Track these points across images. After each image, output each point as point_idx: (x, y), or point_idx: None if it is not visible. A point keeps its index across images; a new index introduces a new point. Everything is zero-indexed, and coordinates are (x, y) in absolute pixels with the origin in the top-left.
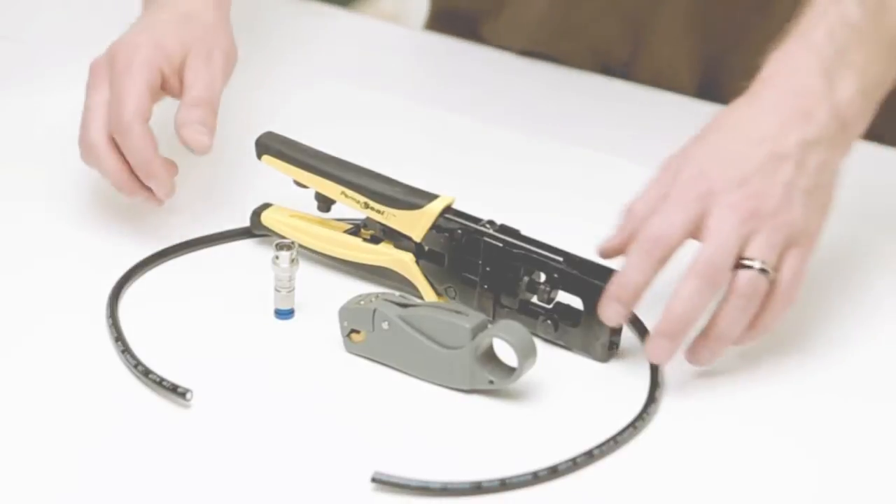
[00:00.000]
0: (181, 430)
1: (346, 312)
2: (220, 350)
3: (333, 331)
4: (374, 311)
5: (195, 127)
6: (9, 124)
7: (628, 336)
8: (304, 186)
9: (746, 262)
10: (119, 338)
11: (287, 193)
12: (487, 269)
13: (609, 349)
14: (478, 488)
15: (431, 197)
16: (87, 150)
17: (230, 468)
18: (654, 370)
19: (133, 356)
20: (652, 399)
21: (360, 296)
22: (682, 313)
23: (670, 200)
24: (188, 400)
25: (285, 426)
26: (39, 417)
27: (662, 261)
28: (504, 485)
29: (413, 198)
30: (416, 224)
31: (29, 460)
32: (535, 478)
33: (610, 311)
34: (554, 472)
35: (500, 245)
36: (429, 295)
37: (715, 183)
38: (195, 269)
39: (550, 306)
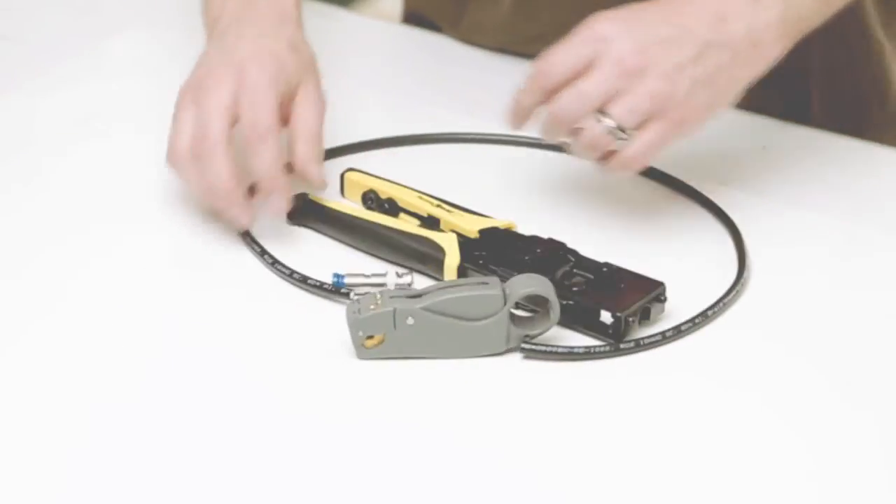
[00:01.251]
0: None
1: (361, 323)
2: None
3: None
4: (395, 310)
5: (320, 166)
6: (9, 124)
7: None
8: (371, 204)
9: (599, 117)
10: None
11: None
12: (537, 252)
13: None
14: (617, 349)
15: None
16: (202, 144)
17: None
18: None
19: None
20: (741, 273)
21: (355, 302)
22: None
23: (567, 41)
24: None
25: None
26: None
27: (544, 88)
28: (638, 345)
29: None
30: (479, 224)
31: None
32: (664, 337)
33: (509, 120)
34: (678, 332)
35: (560, 243)
36: (451, 267)
37: (614, 36)
38: None
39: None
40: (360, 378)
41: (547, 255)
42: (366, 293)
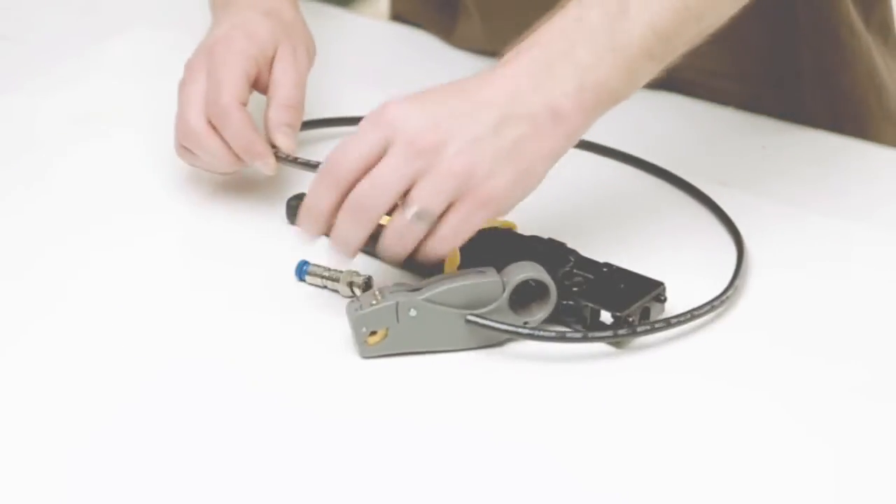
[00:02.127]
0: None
1: (363, 318)
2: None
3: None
4: (397, 304)
5: (285, 130)
6: (9, 124)
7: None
8: None
9: (404, 206)
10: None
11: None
12: (537, 252)
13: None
14: (562, 337)
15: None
16: (186, 136)
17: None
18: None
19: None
20: (732, 284)
21: (356, 301)
22: (334, 240)
23: (357, 131)
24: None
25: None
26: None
27: (338, 185)
28: (586, 337)
29: None
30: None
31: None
32: (615, 334)
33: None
34: (632, 331)
35: (560, 243)
36: (451, 267)
37: (405, 117)
38: None
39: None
40: (363, 377)
41: (547, 255)
42: (365, 292)
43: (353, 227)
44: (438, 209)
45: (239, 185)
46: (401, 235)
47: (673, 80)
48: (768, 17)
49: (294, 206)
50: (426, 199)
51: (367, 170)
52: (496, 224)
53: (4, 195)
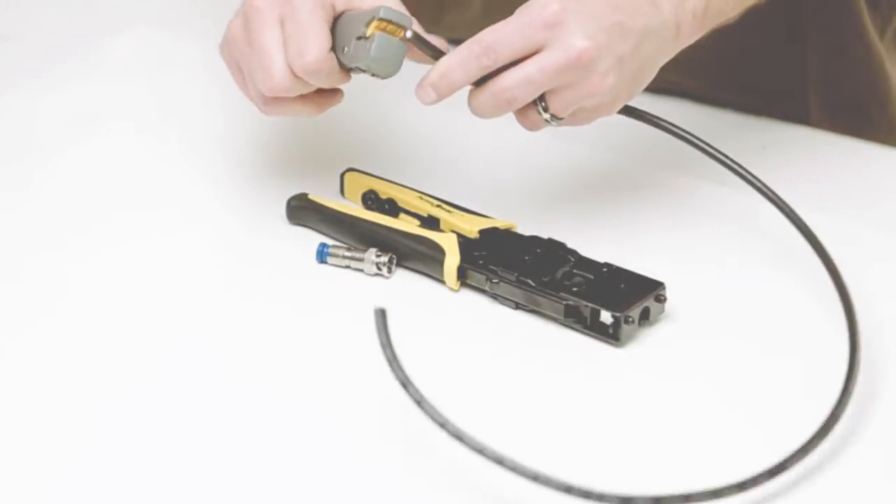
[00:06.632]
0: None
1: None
2: None
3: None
4: None
5: None
6: (9, 124)
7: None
8: (371, 204)
9: (540, 109)
10: None
11: (311, 188)
12: (537, 252)
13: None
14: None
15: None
16: (273, 91)
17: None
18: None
19: None
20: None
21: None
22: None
23: (518, 21)
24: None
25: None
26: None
27: (487, 68)
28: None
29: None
30: (479, 224)
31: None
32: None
33: (422, 94)
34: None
35: (560, 243)
36: (451, 267)
37: (567, 23)
38: None
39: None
40: (361, 377)
41: (547, 255)
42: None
43: (491, 109)
44: (565, 116)
45: (239, 185)
46: (525, 124)
47: (677, 92)
48: (776, 28)
49: (294, 206)
50: (561, 110)
51: (515, 60)
52: (496, 224)
53: (4, 195)
